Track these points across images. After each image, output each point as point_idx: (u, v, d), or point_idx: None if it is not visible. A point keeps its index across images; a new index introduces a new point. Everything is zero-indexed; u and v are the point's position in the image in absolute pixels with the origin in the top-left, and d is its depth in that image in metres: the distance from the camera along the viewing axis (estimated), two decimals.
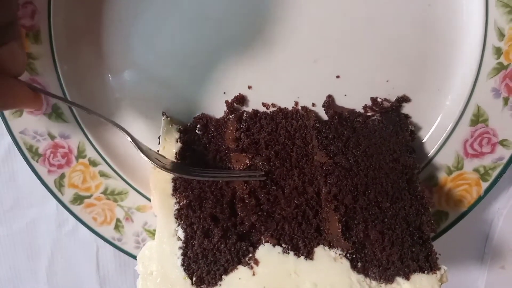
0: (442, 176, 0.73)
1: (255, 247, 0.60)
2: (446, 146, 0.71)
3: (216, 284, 0.57)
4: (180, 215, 0.63)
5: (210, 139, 0.69)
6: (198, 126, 0.70)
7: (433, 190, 0.73)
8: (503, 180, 0.76)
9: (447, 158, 0.72)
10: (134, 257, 0.78)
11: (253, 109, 0.71)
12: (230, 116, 0.70)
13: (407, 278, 0.56)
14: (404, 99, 0.71)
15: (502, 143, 0.70)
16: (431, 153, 0.72)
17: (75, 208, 0.76)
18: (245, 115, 0.70)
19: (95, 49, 0.71)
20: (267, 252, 0.59)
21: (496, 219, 0.82)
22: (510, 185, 0.78)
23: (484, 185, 0.72)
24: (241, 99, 0.71)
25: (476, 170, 0.71)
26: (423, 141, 0.73)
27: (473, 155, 0.71)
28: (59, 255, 0.90)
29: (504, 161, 0.70)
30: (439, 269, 0.57)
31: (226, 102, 0.71)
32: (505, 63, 0.67)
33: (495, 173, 0.71)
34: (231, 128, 0.68)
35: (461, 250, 0.85)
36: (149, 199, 0.76)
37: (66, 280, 0.91)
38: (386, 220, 0.61)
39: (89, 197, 0.76)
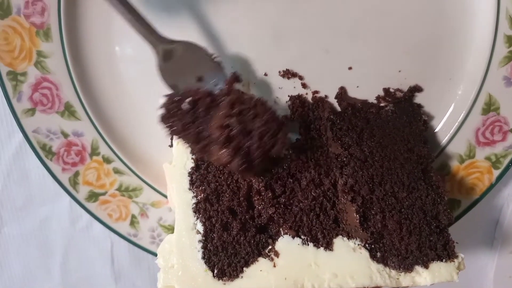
0: (454, 164, 0.73)
1: (274, 239, 0.60)
2: (458, 134, 0.72)
3: (237, 276, 0.58)
4: (198, 209, 0.63)
5: (193, 119, 0.61)
6: (188, 100, 0.61)
7: (446, 179, 0.74)
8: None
9: (459, 146, 0.72)
10: (149, 252, 0.80)
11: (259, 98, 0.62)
12: (224, 98, 0.61)
13: (426, 267, 0.57)
14: (416, 89, 0.72)
15: None
16: (443, 142, 0.73)
17: (90, 205, 0.77)
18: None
19: (107, 44, 0.71)
20: (286, 244, 0.59)
21: (506, 205, 0.83)
22: None
23: (496, 172, 0.73)
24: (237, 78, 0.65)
25: (488, 158, 0.72)
26: (436, 130, 0.73)
27: (485, 143, 0.72)
28: (73, 252, 0.90)
29: None
30: (456, 257, 0.58)
31: (227, 81, 0.64)
32: None
33: (506, 161, 0.72)
34: (222, 111, 0.59)
35: (471, 236, 0.86)
36: (163, 195, 0.77)
37: (81, 277, 0.92)
38: (403, 210, 0.61)
39: (104, 194, 0.77)
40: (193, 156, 0.68)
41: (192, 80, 0.65)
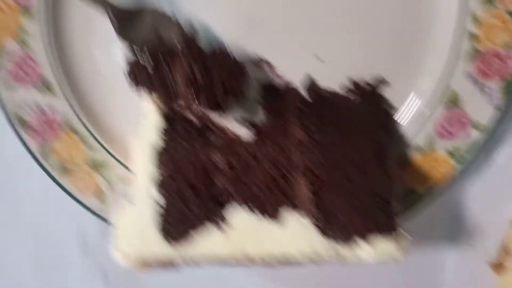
0: (414, 156, 0.75)
1: (228, 211, 0.62)
2: (420, 127, 0.74)
3: (188, 243, 0.60)
4: (159, 182, 0.66)
5: (158, 74, 0.66)
6: (147, 57, 0.66)
7: (406, 170, 0.75)
8: (473, 161, 0.78)
9: (420, 139, 0.74)
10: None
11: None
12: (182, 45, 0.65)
13: (369, 242, 0.59)
14: (382, 82, 0.74)
15: (475, 125, 0.72)
16: (405, 133, 0.75)
17: (60, 178, 0.79)
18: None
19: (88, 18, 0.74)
20: (238, 216, 0.62)
21: (465, 198, 0.84)
22: (479, 167, 0.80)
23: (456, 166, 0.74)
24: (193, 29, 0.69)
25: (448, 151, 0.74)
26: (399, 122, 0.75)
27: (446, 137, 0.74)
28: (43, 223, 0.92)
29: (476, 143, 0.73)
30: (400, 235, 0.60)
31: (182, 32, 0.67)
32: (479, 48, 0.70)
33: (466, 155, 0.73)
34: (181, 56, 0.65)
35: (433, 230, 0.86)
36: (132, 172, 0.79)
37: (50, 253, 0.93)
38: (354, 191, 0.63)
39: (73, 167, 0.79)
40: (160, 132, 0.71)
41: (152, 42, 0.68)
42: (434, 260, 0.88)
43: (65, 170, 0.79)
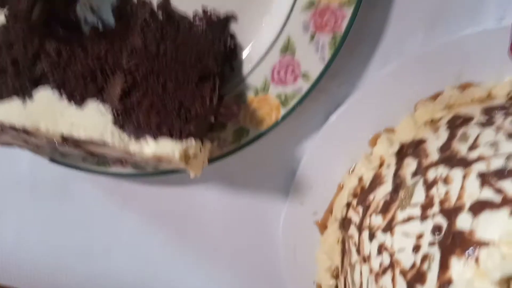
0: (250, 95, 0.80)
1: (37, 90, 0.66)
2: (258, 68, 0.79)
3: None
4: None
5: None
6: None
7: (241, 107, 0.81)
8: (312, 121, 0.85)
9: (257, 80, 0.80)
10: None
11: None
12: None
13: (155, 139, 0.63)
14: (232, 17, 0.79)
15: (303, 75, 0.78)
16: (245, 73, 0.80)
17: None
18: None
19: None
20: (44, 93, 0.65)
21: (304, 158, 0.90)
22: (318, 127, 0.86)
23: (283, 110, 0.80)
24: None
25: (278, 96, 0.80)
26: (242, 60, 0.80)
27: (278, 82, 0.79)
28: None
29: (302, 92, 0.79)
30: (188, 140, 0.64)
31: None
32: (316, 0, 0.75)
33: (293, 102, 0.79)
34: None
35: (270, 187, 0.92)
36: None
37: None
38: (164, 97, 0.68)
39: None
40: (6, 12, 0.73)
41: None
42: (271, 214, 0.94)
43: None
